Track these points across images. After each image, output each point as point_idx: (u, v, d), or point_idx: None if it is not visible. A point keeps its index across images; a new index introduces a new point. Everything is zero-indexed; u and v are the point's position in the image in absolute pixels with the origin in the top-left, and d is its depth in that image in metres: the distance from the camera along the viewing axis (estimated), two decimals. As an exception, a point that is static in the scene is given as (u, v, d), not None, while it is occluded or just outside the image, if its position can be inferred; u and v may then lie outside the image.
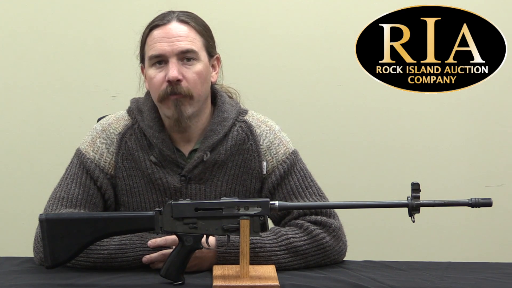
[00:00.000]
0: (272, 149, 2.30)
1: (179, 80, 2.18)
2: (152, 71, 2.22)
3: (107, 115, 2.37)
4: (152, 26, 2.22)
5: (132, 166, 2.27)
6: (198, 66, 2.21)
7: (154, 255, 2.12)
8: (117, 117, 2.32)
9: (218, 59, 2.31)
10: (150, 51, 2.21)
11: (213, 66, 2.29)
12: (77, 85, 3.44)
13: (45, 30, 3.42)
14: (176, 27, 2.21)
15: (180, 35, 2.20)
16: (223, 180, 2.27)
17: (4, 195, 3.47)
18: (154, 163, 2.25)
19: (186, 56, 2.20)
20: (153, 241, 2.12)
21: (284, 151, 2.30)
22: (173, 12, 2.25)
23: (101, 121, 2.34)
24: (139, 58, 2.29)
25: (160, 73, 2.20)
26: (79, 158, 2.27)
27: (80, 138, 2.32)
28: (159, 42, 2.20)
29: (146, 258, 2.12)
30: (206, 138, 2.26)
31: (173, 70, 2.18)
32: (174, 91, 2.19)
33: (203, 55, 2.23)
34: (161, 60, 2.20)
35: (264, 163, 2.29)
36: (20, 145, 3.46)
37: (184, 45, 2.20)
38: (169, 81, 2.18)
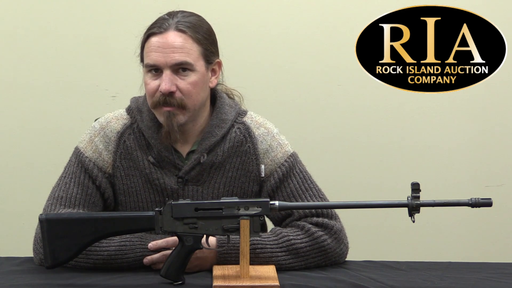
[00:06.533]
0: (270, 152, 2.29)
1: (172, 92, 2.18)
2: (147, 78, 2.21)
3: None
4: (150, 33, 2.20)
5: (130, 165, 2.26)
6: (193, 77, 2.19)
7: (155, 256, 2.12)
8: (116, 115, 2.31)
9: (219, 63, 2.28)
10: (146, 59, 2.20)
11: (213, 71, 2.27)
12: (77, 85, 3.44)
13: (45, 30, 3.42)
14: (172, 38, 2.18)
15: (175, 47, 2.17)
16: (221, 182, 2.27)
17: (4, 195, 3.47)
18: (152, 163, 2.25)
19: (181, 67, 2.18)
20: (154, 243, 2.12)
21: (283, 154, 2.29)
22: (173, 16, 2.21)
23: (99, 119, 2.33)
24: (139, 58, 2.28)
25: (154, 81, 2.19)
26: (77, 157, 2.27)
27: (80, 138, 2.32)
28: (155, 52, 2.18)
29: (147, 259, 2.12)
30: (203, 139, 2.25)
31: (166, 82, 2.17)
32: (166, 101, 2.18)
33: (199, 64, 2.20)
34: (157, 68, 2.19)
35: (262, 166, 2.28)
36: (20, 145, 3.46)
37: (179, 57, 2.17)
38: (162, 92, 2.18)
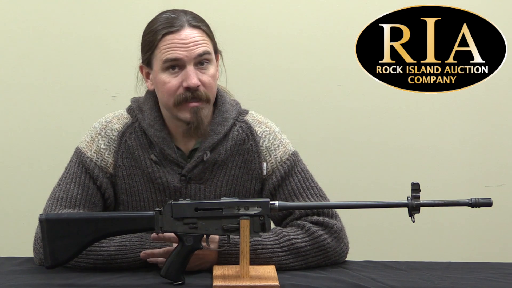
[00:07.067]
0: (272, 150, 2.29)
1: (198, 86, 2.18)
2: (165, 76, 2.20)
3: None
4: (166, 33, 2.19)
5: (132, 164, 2.27)
6: (211, 69, 2.21)
7: (157, 250, 2.12)
8: (116, 115, 2.31)
9: (218, 56, 2.29)
10: (165, 55, 2.18)
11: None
12: (77, 85, 3.44)
13: (45, 30, 3.42)
14: (190, 33, 2.19)
15: (196, 40, 2.19)
16: (223, 180, 2.27)
17: (4, 195, 3.47)
18: (155, 161, 2.25)
19: (201, 60, 2.19)
20: (148, 253, 2.12)
21: (285, 152, 2.30)
22: (178, 14, 2.21)
23: (100, 119, 2.32)
24: (141, 60, 2.26)
25: (175, 79, 2.19)
26: (78, 157, 2.27)
27: (80, 138, 2.32)
28: (176, 48, 2.17)
29: (146, 253, 2.12)
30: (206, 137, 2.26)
31: (193, 77, 2.17)
32: (194, 96, 2.18)
33: (213, 56, 2.23)
34: (174, 65, 2.18)
35: (264, 164, 2.28)
36: (20, 145, 3.46)
37: (201, 48, 2.18)
38: (187, 88, 2.18)
